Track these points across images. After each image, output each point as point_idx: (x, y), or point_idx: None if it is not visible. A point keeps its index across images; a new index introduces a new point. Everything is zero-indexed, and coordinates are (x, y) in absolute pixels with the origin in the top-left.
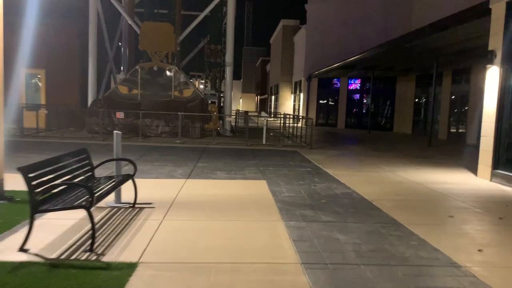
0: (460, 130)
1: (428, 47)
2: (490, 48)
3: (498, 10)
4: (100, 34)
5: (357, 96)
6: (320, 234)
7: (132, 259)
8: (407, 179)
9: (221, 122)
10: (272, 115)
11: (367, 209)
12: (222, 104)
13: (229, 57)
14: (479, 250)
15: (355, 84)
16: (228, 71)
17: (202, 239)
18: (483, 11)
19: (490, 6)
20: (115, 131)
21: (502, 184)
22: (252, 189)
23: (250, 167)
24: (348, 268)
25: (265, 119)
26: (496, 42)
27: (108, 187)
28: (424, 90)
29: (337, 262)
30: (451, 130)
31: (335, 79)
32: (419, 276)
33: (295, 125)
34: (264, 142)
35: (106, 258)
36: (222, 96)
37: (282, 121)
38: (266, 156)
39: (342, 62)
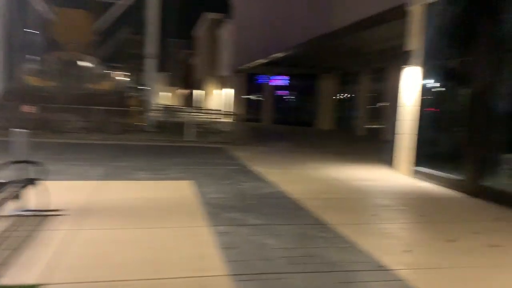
0: (378, 127)
1: (349, 47)
2: (408, 48)
3: (416, 12)
4: (7, 20)
5: (283, 92)
6: (249, 240)
7: (34, 280)
8: (332, 176)
9: (143, 117)
10: (198, 110)
11: (295, 209)
12: (144, 98)
13: (151, 48)
14: (406, 251)
15: (281, 81)
16: (151, 63)
17: (119, 252)
18: (402, 13)
19: (409, 8)
20: (14, 129)
21: (422, 180)
22: (177, 190)
23: (175, 166)
24: (279, 278)
25: (191, 114)
26: (414, 43)
27: (7, 193)
28: (345, 88)
29: (267, 271)
30: (370, 127)
31: (262, 75)
32: (350, 283)
33: (222, 120)
34: (190, 138)
35: (0, 281)
36: (145, 90)
37: (208, 117)
38: (192, 153)
39: (268, 59)
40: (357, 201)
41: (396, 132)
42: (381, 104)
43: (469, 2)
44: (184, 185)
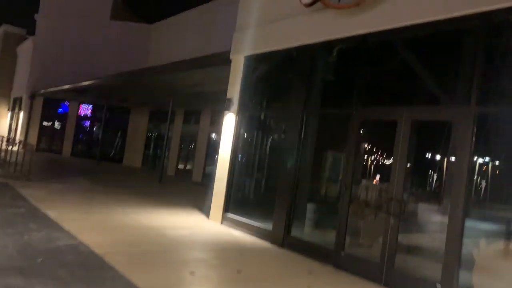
0: (187, 168)
1: (164, 86)
2: (228, 96)
3: (236, 62)
4: None
5: (87, 123)
6: None
7: None
8: (142, 223)
9: None
10: None
11: (99, 268)
12: None
13: None
14: None
15: (87, 110)
16: None
17: None
18: (224, 60)
19: (231, 57)
20: None
21: (233, 227)
22: None
23: None
24: None
25: None
26: (233, 91)
27: None
28: (156, 126)
29: None
30: (179, 167)
31: (64, 102)
32: None
33: (10, 149)
34: None
35: None
36: None
37: None
38: None
39: (72, 85)
40: (171, 254)
41: (213, 177)
42: (192, 145)
43: (279, 62)
44: None
